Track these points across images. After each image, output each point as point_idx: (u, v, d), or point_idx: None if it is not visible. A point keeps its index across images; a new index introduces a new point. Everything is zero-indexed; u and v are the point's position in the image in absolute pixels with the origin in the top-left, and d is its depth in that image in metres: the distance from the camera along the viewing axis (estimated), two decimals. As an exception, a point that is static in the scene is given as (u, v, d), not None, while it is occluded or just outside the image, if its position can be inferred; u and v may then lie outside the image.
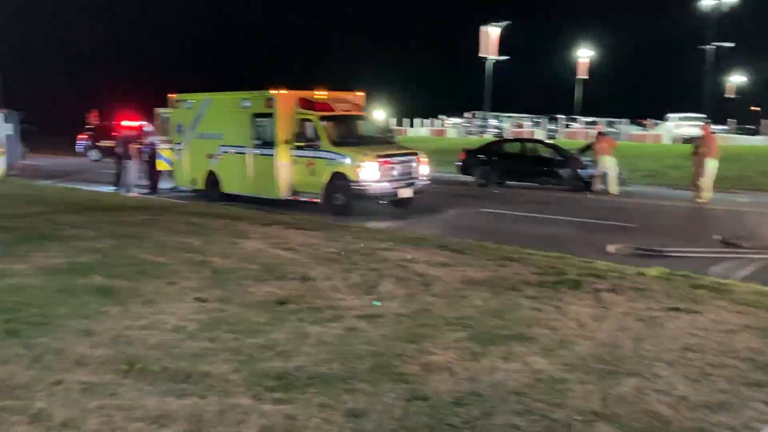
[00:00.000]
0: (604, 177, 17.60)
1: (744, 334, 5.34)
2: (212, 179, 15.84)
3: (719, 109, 57.52)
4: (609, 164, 17.50)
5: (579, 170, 17.93)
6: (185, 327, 5.31)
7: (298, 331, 5.26)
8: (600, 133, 18.84)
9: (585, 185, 17.80)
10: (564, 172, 18.11)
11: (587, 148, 19.03)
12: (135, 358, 4.61)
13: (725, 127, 46.41)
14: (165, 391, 4.07)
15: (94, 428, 3.59)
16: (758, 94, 71.67)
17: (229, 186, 15.50)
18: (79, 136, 31.72)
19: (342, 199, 13.39)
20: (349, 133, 14.32)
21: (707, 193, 15.86)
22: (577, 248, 9.41)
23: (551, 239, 10.53)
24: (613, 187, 17.35)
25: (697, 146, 16.28)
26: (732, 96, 71.34)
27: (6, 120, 21.34)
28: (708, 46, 52.99)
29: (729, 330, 5.42)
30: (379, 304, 6.11)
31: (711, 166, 15.82)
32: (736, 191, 18.84)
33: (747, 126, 49.12)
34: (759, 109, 65.88)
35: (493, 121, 53.29)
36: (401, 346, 4.95)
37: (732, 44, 54.13)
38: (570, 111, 56.65)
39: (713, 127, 40.18)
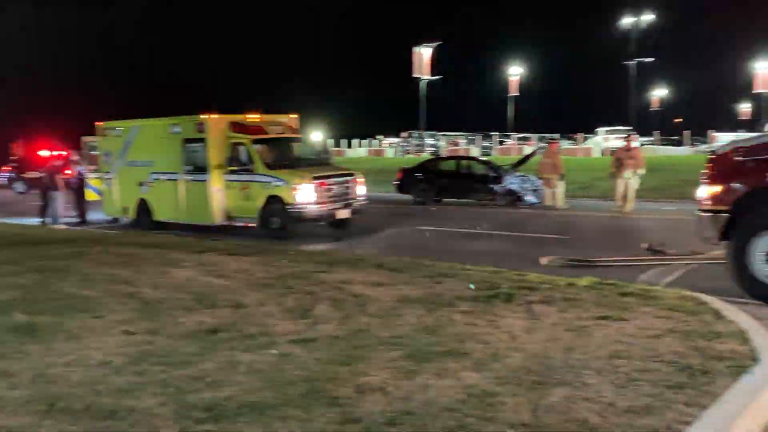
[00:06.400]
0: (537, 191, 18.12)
1: (668, 338, 5.51)
2: (144, 208, 15.47)
3: (646, 122, 60.25)
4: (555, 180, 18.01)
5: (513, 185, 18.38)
6: (111, 362, 5.12)
7: (229, 359, 5.14)
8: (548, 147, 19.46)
9: (518, 200, 18.22)
10: (498, 187, 18.50)
11: (520, 163, 19.54)
12: (56, 397, 4.40)
13: (651, 139, 48.23)
14: (88, 430, 3.90)
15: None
16: (680, 107, 75.27)
17: (161, 214, 15.17)
18: (3, 168, 30.63)
19: (278, 222, 13.30)
20: (283, 156, 14.28)
21: (631, 203, 16.48)
22: (512, 262, 9.58)
23: (487, 254, 10.70)
24: (561, 201, 17.91)
25: (619, 158, 16.86)
26: (657, 108, 74.70)
27: None
28: (631, 62, 55.61)
29: (655, 335, 5.59)
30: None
31: (634, 177, 16.47)
32: (662, 200, 19.62)
33: (671, 137, 51.22)
34: (681, 120, 69.04)
35: (429, 140, 53.92)
36: (335, 369, 4.90)
37: (652, 59, 56.99)
38: (503, 128, 58.00)
39: (640, 138, 41.87)
